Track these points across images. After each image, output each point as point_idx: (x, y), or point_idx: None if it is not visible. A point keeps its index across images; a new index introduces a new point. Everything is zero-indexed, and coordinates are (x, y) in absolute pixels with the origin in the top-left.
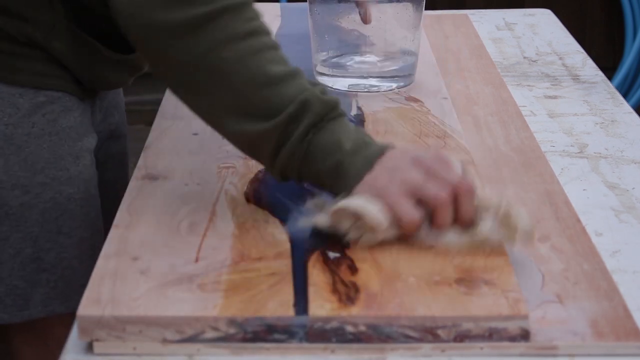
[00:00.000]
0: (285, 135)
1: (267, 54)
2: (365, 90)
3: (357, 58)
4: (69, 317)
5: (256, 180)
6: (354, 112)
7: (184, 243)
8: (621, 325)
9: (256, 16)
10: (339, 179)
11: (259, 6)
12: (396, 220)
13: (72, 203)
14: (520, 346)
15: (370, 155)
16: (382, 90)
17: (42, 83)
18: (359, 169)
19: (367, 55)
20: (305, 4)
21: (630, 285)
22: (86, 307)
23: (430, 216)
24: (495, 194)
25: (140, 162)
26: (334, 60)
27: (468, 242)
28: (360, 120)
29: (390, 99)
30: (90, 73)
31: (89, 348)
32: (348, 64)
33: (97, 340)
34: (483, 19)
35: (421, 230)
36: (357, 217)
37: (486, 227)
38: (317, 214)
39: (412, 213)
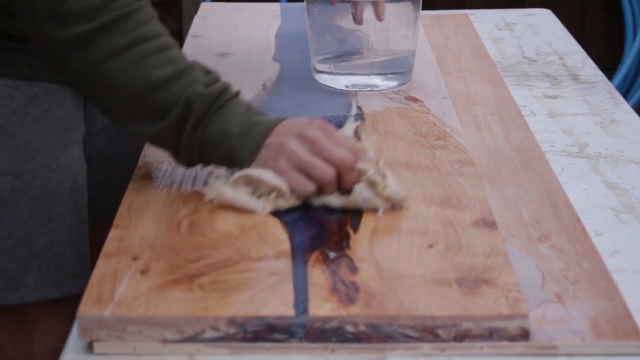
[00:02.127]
0: (179, 132)
1: (150, 60)
2: (368, 89)
3: (355, 56)
4: (49, 302)
5: None
6: (354, 111)
7: (184, 243)
8: (621, 325)
9: (142, 22)
10: (233, 163)
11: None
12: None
13: (61, 191)
14: (520, 346)
15: (257, 136)
16: (380, 88)
17: (37, 75)
18: (249, 152)
19: (365, 54)
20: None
21: (630, 285)
22: (86, 307)
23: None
24: (374, 160)
25: (140, 162)
26: (332, 59)
27: (345, 204)
28: (360, 120)
29: (390, 98)
30: None
31: (89, 348)
32: (345, 62)
33: (97, 340)
34: (483, 19)
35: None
36: (256, 184)
37: (359, 194)
38: (221, 187)
39: (306, 186)
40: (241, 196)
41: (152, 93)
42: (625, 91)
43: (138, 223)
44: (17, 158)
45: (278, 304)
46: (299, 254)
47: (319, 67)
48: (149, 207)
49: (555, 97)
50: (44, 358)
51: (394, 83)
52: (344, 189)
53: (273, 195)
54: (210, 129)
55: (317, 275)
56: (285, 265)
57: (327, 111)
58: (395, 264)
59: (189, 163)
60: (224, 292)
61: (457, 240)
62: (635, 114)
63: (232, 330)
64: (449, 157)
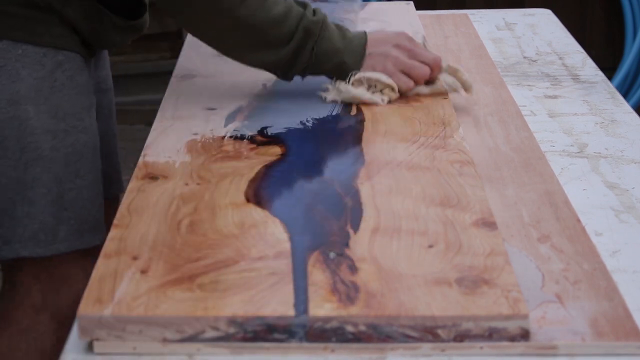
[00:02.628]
0: (297, 54)
1: (267, 1)
2: None
3: None
4: (74, 254)
5: (256, 180)
6: (353, 111)
7: (184, 243)
8: (621, 325)
9: None
10: (343, 71)
11: None
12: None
13: (86, 150)
14: (520, 346)
15: (357, 49)
16: None
17: (61, 44)
18: (356, 61)
19: None
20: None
21: (630, 285)
22: (86, 307)
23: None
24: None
25: (140, 162)
26: None
27: (433, 90)
28: (360, 120)
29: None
30: (97, 36)
31: (89, 347)
32: None
33: (97, 339)
34: (483, 19)
35: None
36: (372, 83)
37: (444, 80)
38: (333, 91)
39: (408, 83)
40: (362, 92)
41: (276, 27)
42: (625, 91)
43: (138, 223)
44: (53, 119)
45: (278, 304)
46: (299, 254)
47: None
48: (149, 207)
49: (555, 97)
50: (70, 309)
51: None
52: (429, 81)
53: (386, 90)
54: (322, 48)
55: (317, 275)
56: (285, 265)
57: (327, 111)
58: (395, 264)
59: (291, 78)
60: (224, 292)
61: (457, 240)
62: (635, 114)
63: (232, 330)
64: (449, 157)
